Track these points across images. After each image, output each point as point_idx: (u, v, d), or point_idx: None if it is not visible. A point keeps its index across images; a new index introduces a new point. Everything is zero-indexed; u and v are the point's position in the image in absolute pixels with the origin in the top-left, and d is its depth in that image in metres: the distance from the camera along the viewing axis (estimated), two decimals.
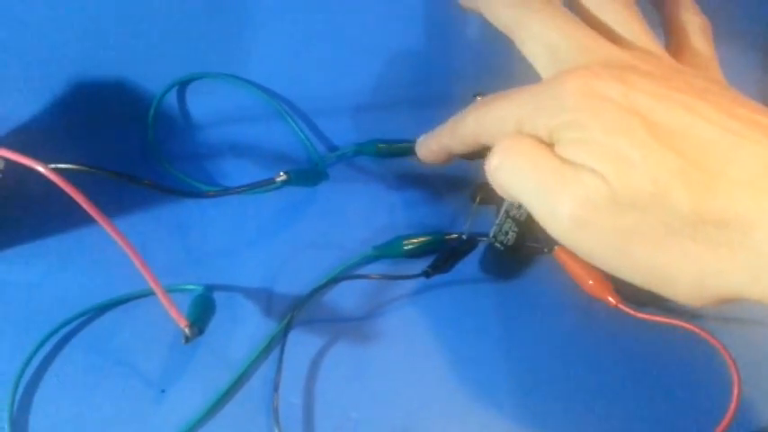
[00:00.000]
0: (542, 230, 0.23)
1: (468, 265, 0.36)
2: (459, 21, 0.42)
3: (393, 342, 0.32)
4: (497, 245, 0.36)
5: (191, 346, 0.30)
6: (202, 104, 0.41)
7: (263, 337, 0.31)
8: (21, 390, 0.29)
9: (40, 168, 0.25)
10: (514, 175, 0.23)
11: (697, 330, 0.31)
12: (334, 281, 0.34)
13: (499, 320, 0.33)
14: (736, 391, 0.29)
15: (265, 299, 0.33)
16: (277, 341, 0.31)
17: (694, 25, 0.28)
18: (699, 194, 0.19)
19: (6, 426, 0.27)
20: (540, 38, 0.25)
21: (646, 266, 0.21)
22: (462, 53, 0.43)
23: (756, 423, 0.30)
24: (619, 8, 0.26)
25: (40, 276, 0.33)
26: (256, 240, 0.36)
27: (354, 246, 0.36)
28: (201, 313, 0.29)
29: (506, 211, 0.34)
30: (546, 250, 0.37)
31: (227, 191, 0.36)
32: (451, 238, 0.36)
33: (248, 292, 0.33)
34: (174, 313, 0.27)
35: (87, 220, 0.25)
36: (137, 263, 0.26)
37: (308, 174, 0.39)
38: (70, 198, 0.24)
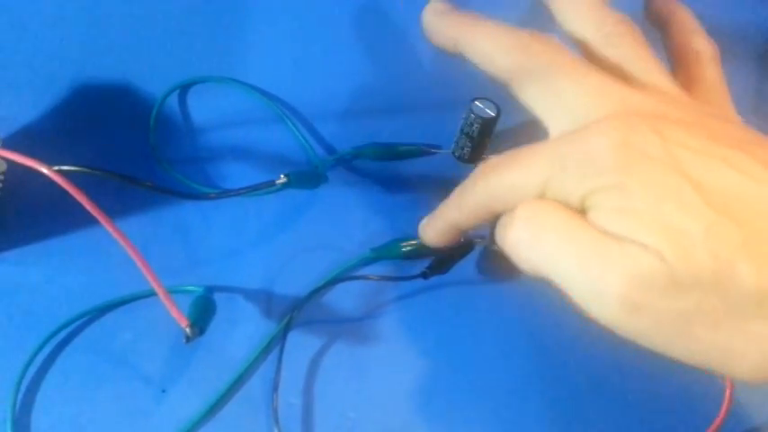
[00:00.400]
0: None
1: (466, 266, 0.36)
2: None
3: (391, 343, 0.32)
4: (494, 247, 0.37)
5: (191, 347, 0.30)
6: (203, 108, 0.42)
7: (262, 337, 0.31)
8: (23, 390, 0.29)
9: (44, 170, 0.25)
10: (544, 250, 0.20)
11: None
12: (333, 282, 0.34)
13: (496, 321, 0.34)
14: (728, 392, 0.29)
15: (265, 300, 0.33)
16: (276, 342, 0.31)
17: (706, 55, 0.25)
18: (765, 268, 0.17)
19: (9, 425, 0.27)
20: (547, 85, 0.22)
21: (705, 348, 0.19)
22: (460, 59, 0.43)
23: (748, 423, 0.30)
24: (629, 42, 0.23)
25: (42, 277, 0.33)
26: (256, 242, 0.37)
27: (353, 247, 0.36)
28: (202, 314, 0.30)
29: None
30: None
31: (227, 193, 0.36)
32: None
33: (248, 293, 0.34)
34: (174, 313, 0.27)
35: (89, 221, 0.25)
36: (138, 263, 0.26)
37: (308, 176, 0.39)
38: (72, 200, 0.25)
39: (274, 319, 0.33)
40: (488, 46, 0.24)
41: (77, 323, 0.31)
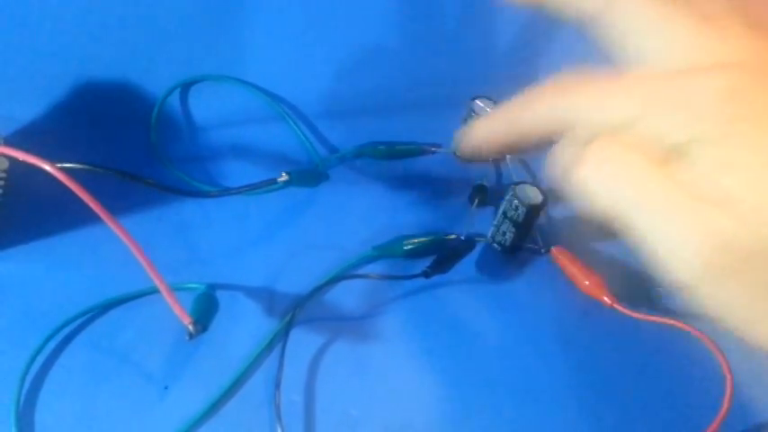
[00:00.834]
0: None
1: (467, 265, 0.36)
2: (460, 25, 0.42)
3: (393, 340, 0.32)
4: (495, 245, 0.37)
5: (193, 344, 0.30)
6: (205, 106, 0.42)
7: (264, 335, 0.32)
8: (26, 386, 0.29)
9: (47, 167, 0.25)
10: (623, 194, 0.18)
11: (691, 330, 0.32)
12: (335, 280, 0.34)
13: (497, 320, 0.34)
14: (728, 391, 0.30)
15: (267, 297, 0.33)
16: (278, 339, 0.31)
17: None
18: None
19: (13, 421, 0.28)
20: (637, 20, 0.19)
21: None
22: (462, 57, 0.43)
23: (749, 422, 0.30)
24: None
25: (46, 274, 0.33)
26: (258, 240, 0.37)
27: (354, 246, 0.36)
28: (205, 311, 0.30)
29: (504, 213, 0.35)
30: (543, 251, 0.37)
31: (229, 191, 0.36)
32: (450, 239, 0.37)
33: (250, 291, 0.34)
34: (177, 310, 0.27)
35: (91, 219, 0.25)
36: (141, 260, 0.26)
37: (310, 175, 0.39)
38: (74, 197, 0.25)
39: (276, 316, 0.33)
40: None
41: (80, 320, 0.31)
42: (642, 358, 0.33)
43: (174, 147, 0.41)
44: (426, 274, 0.34)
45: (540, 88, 0.21)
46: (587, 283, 0.34)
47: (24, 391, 0.29)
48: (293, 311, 0.32)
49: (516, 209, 0.34)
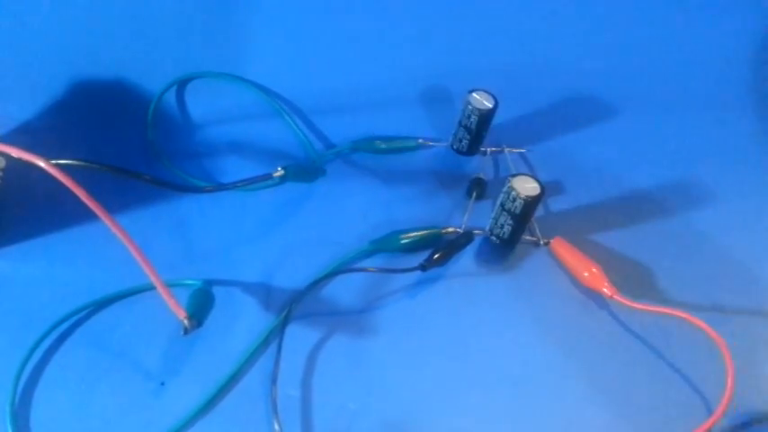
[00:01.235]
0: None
1: (465, 258, 0.36)
2: (455, 20, 0.42)
3: (390, 334, 0.32)
4: (493, 238, 0.37)
5: (190, 340, 0.30)
6: (201, 102, 0.42)
7: (261, 330, 0.31)
8: (22, 382, 0.29)
9: (41, 163, 0.25)
10: None
11: (691, 320, 0.31)
12: (332, 274, 0.34)
13: (495, 313, 0.34)
14: (730, 381, 0.29)
15: (264, 293, 0.33)
16: (275, 334, 0.31)
17: None
18: None
19: (8, 418, 0.27)
20: None
21: None
22: (458, 52, 0.43)
23: (750, 411, 0.30)
24: None
25: (41, 271, 0.33)
26: (255, 235, 0.37)
27: (351, 240, 0.36)
28: (200, 306, 0.30)
29: (502, 205, 0.35)
30: (542, 243, 0.37)
31: (225, 186, 0.36)
32: (448, 232, 0.36)
33: (247, 287, 0.34)
34: (172, 305, 0.27)
35: (87, 216, 0.25)
36: (136, 256, 0.26)
37: (306, 170, 0.39)
38: (71, 195, 0.25)
39: (273, 311, 0.33)
40: None
41: (76, 317, 0.31)
42: (642, 349, 0.32)
43: (171, 143, 0.41)
44: (424, 268, 0.33)
45: None
46: (586, 274, 0.34)
47: (20, 388, 0.29)
48: (290, 306, 0.32)
49: (514, 200, 0.34)
